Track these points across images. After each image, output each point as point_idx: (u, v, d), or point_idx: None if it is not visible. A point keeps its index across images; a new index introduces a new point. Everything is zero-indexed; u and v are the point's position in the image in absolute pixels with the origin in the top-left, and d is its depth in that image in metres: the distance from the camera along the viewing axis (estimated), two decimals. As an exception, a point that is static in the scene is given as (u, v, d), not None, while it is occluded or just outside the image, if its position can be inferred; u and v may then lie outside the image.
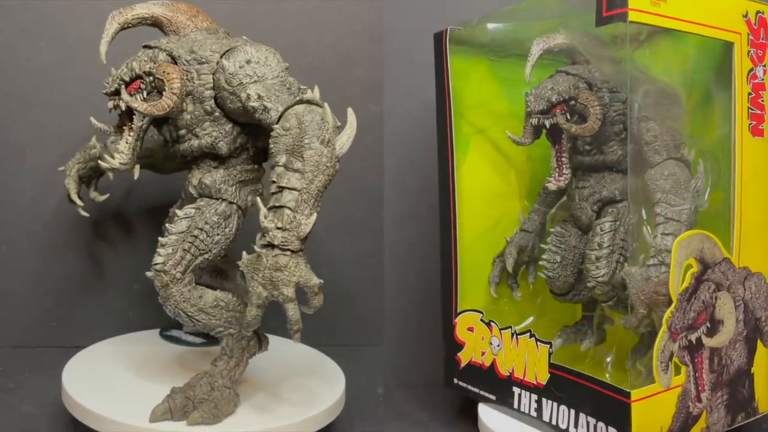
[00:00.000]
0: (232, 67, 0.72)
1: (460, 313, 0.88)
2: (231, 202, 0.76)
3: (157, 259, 0.73)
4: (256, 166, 0.79)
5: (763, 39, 0.76)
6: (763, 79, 0.77)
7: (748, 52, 0.75)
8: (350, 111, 0.70)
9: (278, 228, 0.65)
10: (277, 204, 0.66)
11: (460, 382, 0.89)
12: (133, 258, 1.10)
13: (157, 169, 0.93)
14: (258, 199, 0.68)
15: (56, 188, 0.91)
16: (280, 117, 0.69)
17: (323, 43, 1.11)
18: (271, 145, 0.68)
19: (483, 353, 0.85)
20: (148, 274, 0.74)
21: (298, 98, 0.70)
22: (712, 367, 0.73)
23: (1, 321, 1.09)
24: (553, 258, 0.86)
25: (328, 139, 0.67)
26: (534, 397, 0.79)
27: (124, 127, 0.74)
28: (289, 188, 0.66)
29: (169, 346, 0.96)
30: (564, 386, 0.76)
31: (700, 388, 0.72)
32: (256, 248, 0.66)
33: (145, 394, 0.79)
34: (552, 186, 0.84)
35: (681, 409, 0.72)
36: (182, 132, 0.75)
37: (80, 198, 0.94)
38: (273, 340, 0.83)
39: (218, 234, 0.75)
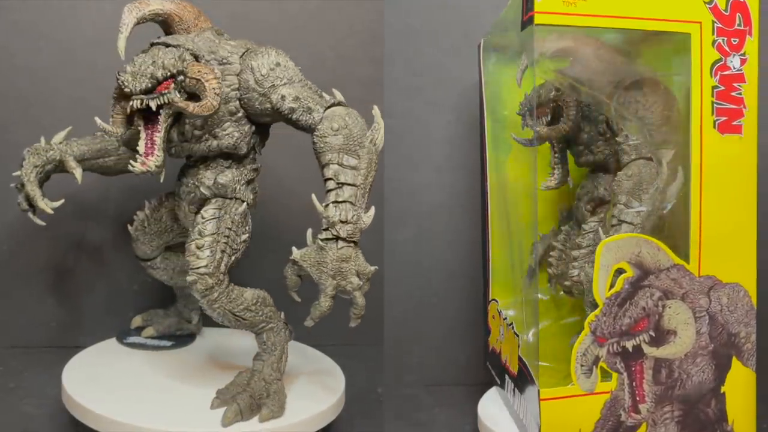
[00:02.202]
0: (264, 69, 0.73)
1: (490, 301, 0.91)
2: (243, 201, 0.77)
3: (199, 263, 0.73)
4: (259, 165, 0.80)
5: (739, 25, 0.71)
6: (740, 70, 0.71)
7: (713, 41, 0.71)
8: (377, 110, 0.73)
9: (342, 221, 0.68)
10: (339, 199, 0.69)
11: (488, 365, 0.92)
12: (133, 259, 1.09)
13: (106, 171, 0.89)
14: (313, 196, 0.70)
15: (56, 188, 0.91)
16: (321, 117, 0.71)
17: (323, 43, 1.11)
18: (320, 144, 0.70)
19: (497, 339, 0.87)
20: (189, 278, 0.73)
21: (332, 101, 0.73)
22: (658, 379, 0.70)
23: (1, 321, 1.09)
24: (559, 255, 0.87)
25: (375, 138, 0.71)
26: (512, 386, 0.81)
27: (139, 128, 0.71)
28: (349, 184, 0.69)
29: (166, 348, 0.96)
30: (523, 378, 0.77)
31: (638, 399, 0.70)
32: (319, 241, 0.69)
33: (144, 394, 0.80)
34: (542, 187, 0.84)
35: (608, 416, 0.70)
36: (198, 132, 0.75)
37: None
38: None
39: (243, 233, 0.76)
